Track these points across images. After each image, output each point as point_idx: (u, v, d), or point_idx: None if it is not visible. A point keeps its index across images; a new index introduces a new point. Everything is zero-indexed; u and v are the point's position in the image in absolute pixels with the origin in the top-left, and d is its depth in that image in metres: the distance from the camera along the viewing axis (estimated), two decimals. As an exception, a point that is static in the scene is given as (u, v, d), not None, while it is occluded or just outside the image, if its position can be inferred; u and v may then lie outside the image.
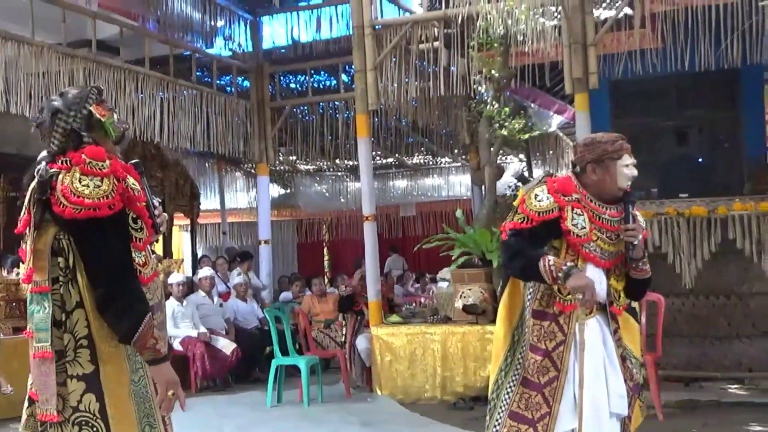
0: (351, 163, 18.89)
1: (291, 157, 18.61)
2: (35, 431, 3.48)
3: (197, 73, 13.85)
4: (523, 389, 4.37)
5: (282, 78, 15.76)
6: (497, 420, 4.43)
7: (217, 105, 13.67)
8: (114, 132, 3.61)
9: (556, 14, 10.08)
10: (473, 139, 12.05)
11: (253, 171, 17.36)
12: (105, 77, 11.44)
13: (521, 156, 16.61)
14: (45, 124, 3.53)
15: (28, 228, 3.48)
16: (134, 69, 12.02)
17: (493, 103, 10.91)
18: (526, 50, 10.16)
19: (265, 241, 15.14)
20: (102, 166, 3.38)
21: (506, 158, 17.25)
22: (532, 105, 14.02)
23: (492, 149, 11.08)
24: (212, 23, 14.45)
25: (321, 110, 15.12)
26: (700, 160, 13.35)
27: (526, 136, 11.05)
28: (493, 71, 10.77)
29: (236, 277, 13.87)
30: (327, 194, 21.37)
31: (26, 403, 3.54)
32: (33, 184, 3.45)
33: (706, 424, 8.16)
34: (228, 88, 14.94)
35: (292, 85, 16.61)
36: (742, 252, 9.29)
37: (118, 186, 3.39)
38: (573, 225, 4.31)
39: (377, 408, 9.93)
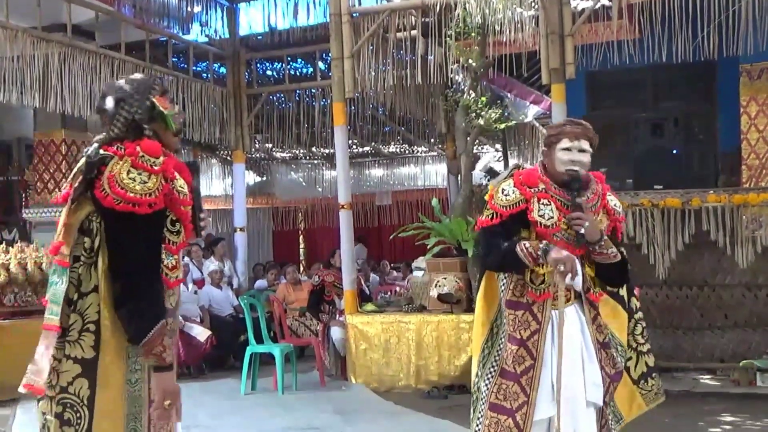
0: (327, 151, 18.83)
1: (267, 145, 18.54)
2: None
3: (173, 59, 13.77)
4: (500, 380, 4.38)
5: (258, 65, 15.72)
6: (480, 412, 4.45)
7: (193, 91, 13.61)
8: (174, 124, 3.57)
9: (533, 4, 10.08)
10: (449, 129, 12.06)
11: (228, 158, 17.28)
12: (80, 62, 11.37)
13: (497, 146, 16.64)
14: (107, 111, 3.49)
15: (66, 201, 3.45)
16: (110, 54, 11.95)
17: (470, 92, 10.92)
18: (504, 40, 10.15)
19: (241, 229, 15.11)
20: (154, 162, 3.34)
21: (482, 148, 17.27)
22: (509, 95, 14.01)
23: (468, 139, 11.09)
24: (189, 9, 14.36)
25: (297, 98, 15.08)
26: (675, 151, 13.42)
27: (503, 125, 11.07)
28: (470, 60, 10.79)
29: (210, 265, 13.83)
30: (303, 182, 21.32)
31: None
32: (81, 161, 3.43)
33: (678, 414, 8.21)
34: (204, 75, 14.87)
35: (269, 72, 16.55)
36: (715, 243, 9.34)
37: (165, 186, 3.34)
38: (540, 216, 4.32)
39: (351, 396, 9.95)
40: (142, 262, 3.32)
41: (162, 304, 3.38)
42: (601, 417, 4.45)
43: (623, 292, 4.75)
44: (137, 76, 3.66)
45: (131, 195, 3.26)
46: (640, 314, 4.91)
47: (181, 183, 3.44)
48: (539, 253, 4.22)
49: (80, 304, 3.35)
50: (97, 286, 3.35)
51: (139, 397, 3.42)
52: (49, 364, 3.34)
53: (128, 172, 3.30)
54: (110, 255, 3.33)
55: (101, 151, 3.38)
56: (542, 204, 4.34)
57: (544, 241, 4.27)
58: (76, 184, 3.40)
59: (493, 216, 4.42)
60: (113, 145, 3.40)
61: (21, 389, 3.48)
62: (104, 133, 3.49)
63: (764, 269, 9.87)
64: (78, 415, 3.33)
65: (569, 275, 4.22)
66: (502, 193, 4.42)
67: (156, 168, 3.33)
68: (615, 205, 4.51)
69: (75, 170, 3.44)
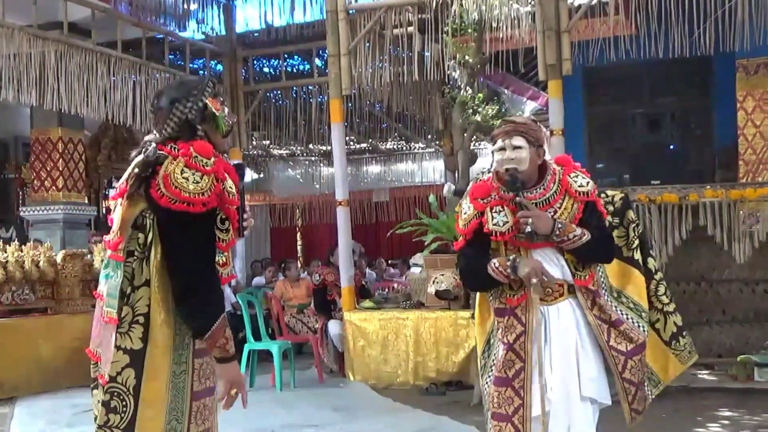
0: (324, 148, 18.87)
1: (264, 142, 18.56)
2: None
3: (170, 57, 13.76)
4: (495, 388, 4.38)
5: (255, 62, 15.69)
6: (489, 423, 4.46)
7: (190, 89, 13.56)
8: (224, 126, 3.67)
9: (529, 0, 10.08)
10: (447, 125, 12.06)
11: (226, 156, 17.28)
12: (77, 60, 11.37)
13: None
14: (162, 111, 3.57)
15: (121, 197, 3.54)
16: (106, 52, 11.94)
17: (467, 88, 10.93)
18: (500, 36, 10.16)
19: (238, 226, 15.07)
20: (206, 163, 3.44)
21: (479, 144, 17.27)
22: (506, 91, 14.04)
23: (465, 135, 11.11)
24: (185, 6, 14.35)
25: (294, 95, 15.06)
26: (672, 147, 13.44)
27: (500, 122, 11.05)
28: (466, 57, 10.79)
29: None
30: (300, 179, 21.37)
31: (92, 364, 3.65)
32: (138, 159, 3.50)
33: (676, 410, 8.22)
34: (201, 72, 14.85)
35: (266, 70, 16.54)
36: (712, 239, 9.34)
37: (216, 186, 3.44)
38: (494, 225, 4.29)
39: (350, 393, 9.95)
40: (199, 259, 3.44)
41: (221, 297, 3.57)
42: (626, 395, 4.43)
43: (637, 255, 4.72)
44: (192, 77, 3.74)
45: (185, 195, 3.36)
46: (660, 275, 4.86)
47: (230, 183, 3.53)
48: (509, 271, 4.24)
49: (132, 297, 3.45)
50: (149, 280, 3.45)
51: (182, 388, 3.51)
52: (111, 355, 3.43)
53: (182, 171, 3.39)
54: (167, 254, 3.44)
55: (158, 151, 3.47)
56: (495, 212, 4.32)
57: (512, 256, 4.28)
58: (132, 181, 3.49)
59: (460, 238, 4.47)
60: (167, 144, 3.49)
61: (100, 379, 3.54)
62: (157, 133, 3.58)
63: (761, 264, 9.88)
64: (124, 403, 3.41)
65: (545, 280, 4.26)
66: (462, 212, 4.45)
67: (208, 168, 3.42)
68: (579, 185, 4.37)
69: (130, 168, 3.52)
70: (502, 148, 4.34)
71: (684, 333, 4.87)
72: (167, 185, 3.37)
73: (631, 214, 4.80)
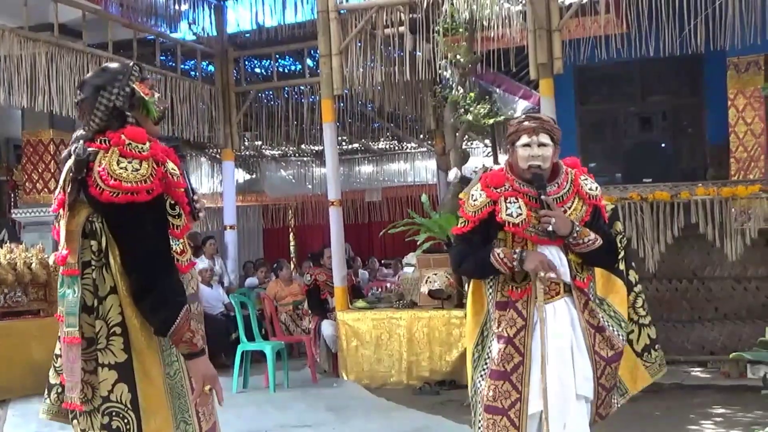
0: (316, 148, 18.87)
1: (256, 142, 18.54)
2: (57, 415, 3.43)
3: (161, 58, 13.75)
4: (491, 381, 4.38)
5: (247, 62, 15.69)
6: (479, 416, 4.46)
7: (182, 90, 13.59)
8: (155, 112, 3.45)
9: (520, -1, 10.10)
10: (438, 125, 12.04)
11: (218, 156, 17.26)
12: (67, 61, 11.34)
13: (486, 141, 16.65)
14: (87, 100, 3.35)
15: (62, 208, 3.33)
16: (97, 53, 11.91)
17: (458, 88, 10.93)
18: (491, 35, 10.16)
19: (231, 227, 15.09)
20: (142, 148, 3.23)
21: (471, 143, 17.28)
22: (498, 90, 14.03)
23: (457, 134, 11.10)
24: (176, 7, 14.34)
25: (286, 95, 15.07)
26: (663, 145, 13.45)
27: (491, 121, 11.08)
28: (458, 56, 10.79)
29: (200, 263, 13.79)
30: (292, 179, 21.33)
31: (49, 388, 3.47)
32: (69, 162, 3.30)
33: (669, 407, 8.24)
34: (192, 73, 14.84)
35: (257, 70, 16.54)
36: (704, 236, 9.37)
37: (158, 170, 3.23)
38: (508, 215, 4.32)
39: (343, 393, 9.95)
40: (153, 251, 3.25)
41: (181, 289, 3.31)
42: (597, 399, 4.45)
43: (622, 266, 4.74)
44: (113, 64, 3.52)
45: (127, 185, 3.16)
46: (639, 287, 4.89)
47: (171, 166, 3.33)
48: (514, 263, 4.26)
49: (101, 309, 3.27)
50: (114, 287, 3.27)
51: (181, 388, 3.36)
52: (80, 377, 3.24)
53: (118, 162, 3.19)
54: (120, 250, 3.25)
55: (87, 148, 3.27)
56: (509, 203, 4.34)
57: (518, 250, 4.31)
58: (68, 189, 3.30)
59: (465, 223, 4.48)
60: (96, 139, 3.30)
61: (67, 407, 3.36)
62: (85, 127, 3.37)
63: (753, 261, 9.91)
64: (126, 421, 3.26)
65: (551, 274, 4.27)
66: (471, 198, 4.46)
67: (145, 153, 3.22)
68: (590, 189, 4.46)
69: (64, 174, 3.33)
70: (527, 144, 4.36)
71: (657, 346, 4.92)
72: (105, 179, 3.17)
73: (619, 226, 4.84)
